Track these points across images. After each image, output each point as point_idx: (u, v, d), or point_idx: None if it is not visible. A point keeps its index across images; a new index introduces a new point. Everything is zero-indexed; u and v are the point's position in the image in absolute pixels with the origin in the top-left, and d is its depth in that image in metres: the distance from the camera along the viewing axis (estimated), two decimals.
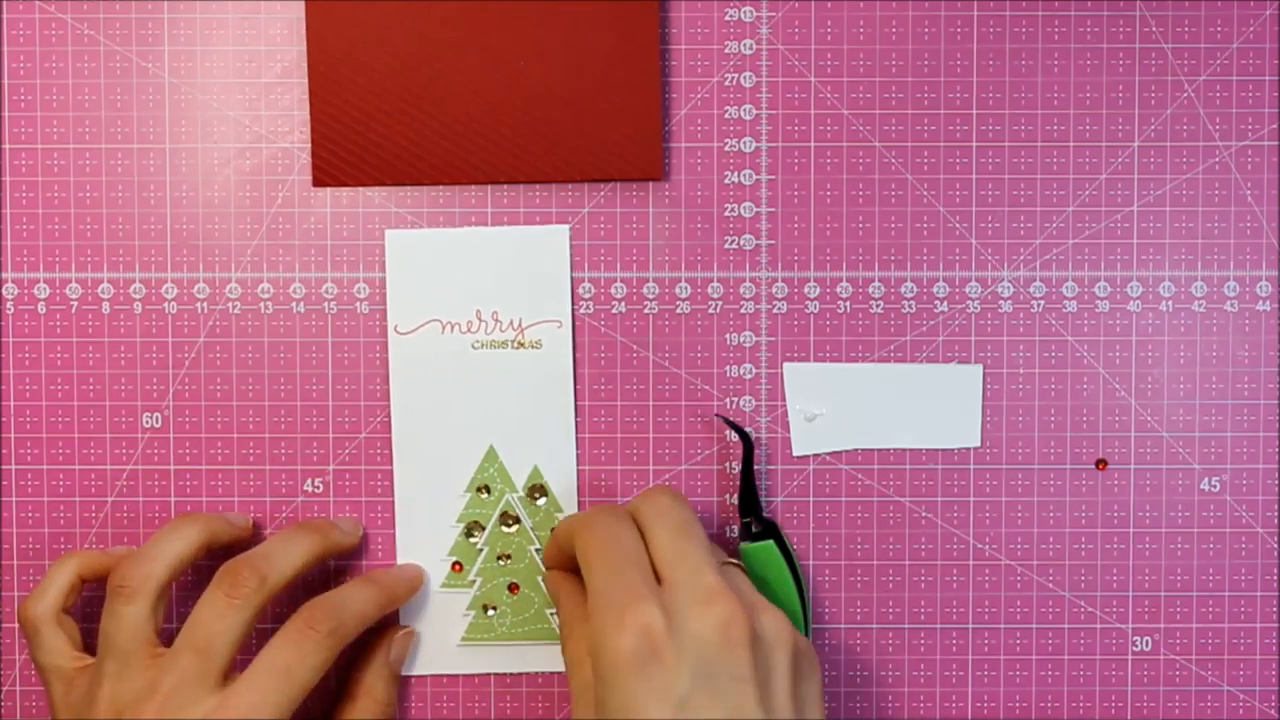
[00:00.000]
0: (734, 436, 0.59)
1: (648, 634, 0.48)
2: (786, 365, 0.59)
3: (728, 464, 0.59)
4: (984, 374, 0.59)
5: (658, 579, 0.51)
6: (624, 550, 0.52)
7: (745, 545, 0.57)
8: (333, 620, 0.53)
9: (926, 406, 0.59)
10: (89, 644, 0.57)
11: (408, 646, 0.59)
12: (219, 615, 0.52)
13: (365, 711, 0.57)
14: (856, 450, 0.59)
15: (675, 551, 0.52)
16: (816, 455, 0.59)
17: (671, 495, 0.54)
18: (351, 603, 0.55)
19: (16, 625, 0.59)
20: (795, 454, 0.59)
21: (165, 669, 0.52)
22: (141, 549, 0.55)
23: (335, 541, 0.57)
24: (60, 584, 0.56)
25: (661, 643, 0.48)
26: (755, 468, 0.59)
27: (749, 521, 0.57)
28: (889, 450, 0.59)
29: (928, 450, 0.59)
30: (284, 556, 0.54)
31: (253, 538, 0.59)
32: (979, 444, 0.59)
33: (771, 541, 0.56)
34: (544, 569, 0.59)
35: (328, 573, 0.59)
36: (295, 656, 0.52)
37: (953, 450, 0.59)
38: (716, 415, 0.59)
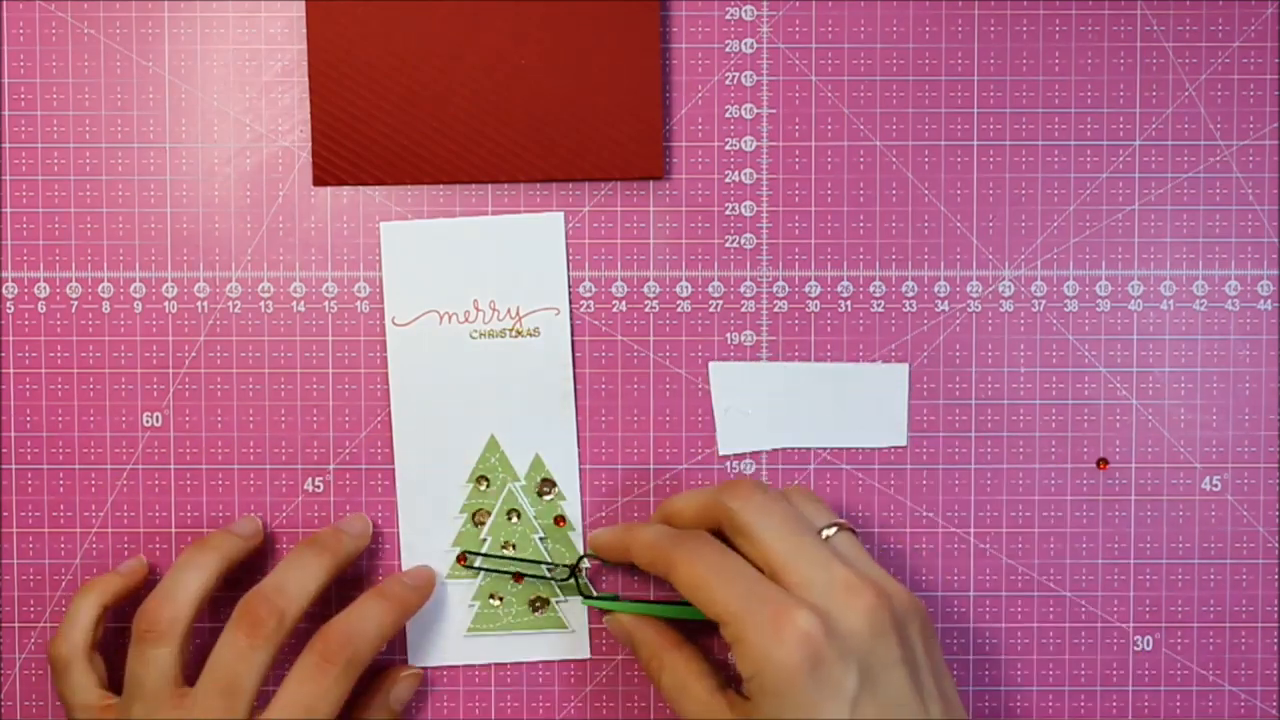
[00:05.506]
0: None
1: (808, 640, 0.48)
2: (711, 365, 0.59)
3: (728, 463, 0.59)
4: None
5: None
6: (736, 565, 0.51)
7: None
8: (348, 650, 0.53)
9: (854, 406, 0.59)
10: (113, 680, 0.56)
11: (410, 689, 0.58)
12: (241, 656, 0.52)
13: None
14: (793, 450, 0.59)
15: (790, 548, 0.51)
16: (752, 451, 0.59)
17: (756, 485, 0.53)
18: (365, 625, 0.54)
19: (16, 626, 0.59)
20: (720, 453, 0.59)
21: (192, 710, 0.52)
22: (163, 587, 0.54)
23: (347, 553, 0.57)
24: (86, 619, 0.56)
25: (823, 646, 0.48)
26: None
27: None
28: (889, 450, 0.59)
29: (927, 451, 0.59)
30: (299, 586, 0.54)
31: (264, 544, 0.59)
32: (905, 443, 0.59)
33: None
34: (594, 601, 0.58)
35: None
36: (315, 693, 0.52)
37: (953, 450, 0.59)
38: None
